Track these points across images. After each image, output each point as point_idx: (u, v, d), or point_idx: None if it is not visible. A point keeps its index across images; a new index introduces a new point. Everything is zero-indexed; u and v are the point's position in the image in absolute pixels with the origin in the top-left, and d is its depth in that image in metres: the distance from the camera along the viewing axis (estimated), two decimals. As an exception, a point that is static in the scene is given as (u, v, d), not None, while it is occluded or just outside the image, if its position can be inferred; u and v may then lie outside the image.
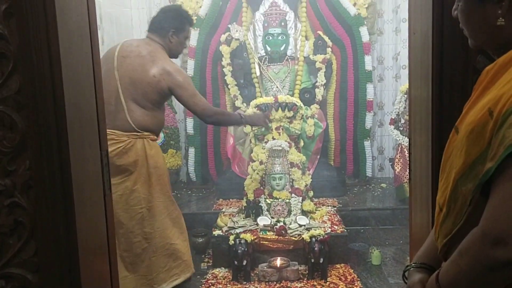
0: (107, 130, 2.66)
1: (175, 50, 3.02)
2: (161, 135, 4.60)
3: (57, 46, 1.45)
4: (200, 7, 4.69)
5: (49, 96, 1.46)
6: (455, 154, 1.04)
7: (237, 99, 4.64)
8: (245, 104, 4.57)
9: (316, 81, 4.62)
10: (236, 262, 3.33)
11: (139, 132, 2.86)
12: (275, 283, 3.32)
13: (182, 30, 2.98)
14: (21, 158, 1.48)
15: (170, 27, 2.94)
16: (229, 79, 4.64)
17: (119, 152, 2.82)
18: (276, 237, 3.48)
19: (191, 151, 4.82)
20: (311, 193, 3.89)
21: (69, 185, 1.52)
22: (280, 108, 4.04)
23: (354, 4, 4.63)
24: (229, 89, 4.68)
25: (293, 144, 4.04)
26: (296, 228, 3.56)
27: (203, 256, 3.85)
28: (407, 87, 4.43)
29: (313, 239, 3.36)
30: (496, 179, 0.91)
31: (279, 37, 4.55)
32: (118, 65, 2.86)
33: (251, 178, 3.87)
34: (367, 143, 4.80)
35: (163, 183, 2.95)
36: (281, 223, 3.57)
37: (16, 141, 1.46)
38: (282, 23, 4.57)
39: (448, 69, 1.57)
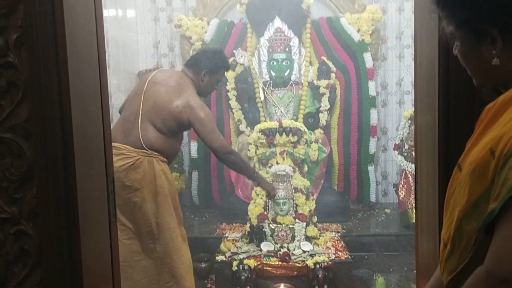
0: (120, 144, 2.95)
1: (204, 89, 3.18)
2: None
3: (66, 75, 1.47)
4: (206, 32, 4.73)
5: (57, 124, 1.47)
6: (458, 192, 1.04)
7: (241, 123, 4.65)
8: (249, 128, 4.58)
9: (320, 106, 4.64)
10: (239, 288, 3.30)
11: (149, 151, 2.96)
12: (278, 310, 3.28)
13: (215, 73, 3.15)
14: (28, 185, 1.48)
15: (204, 67, 3.10)
16: (233, 103, 4.67)
17: (128, 168, 2.92)
18: (280, 263, 3.46)
19: (195, 174, 4.82)
20: (315, 219, 3.87)
21: (75, 213, 1.53)
22: (284, 133, 4.04)
23: (358, 31, 4.67)
24: (233, 113, 4.69)
25: (297, 169, 4.03)
26: (300, 254, 3.53)
27: (205, 281, 3.81)
28: (411, 113, 4.47)
29: (317, 266, 3.33)
30: (500, 219, 0.92)
31: (284, 63, 4.58)
32: (146, 89, 3.03)
33: (254, 202, 3.86)
34: (371, 168, 4.79)
35: (167, 204, 3.00)
36: (285, 249, 3.54)
37: (24, 169, 1.47)
38: (287, 49, 4.62)
39: (454, 99, 1.58)
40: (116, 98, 4.21)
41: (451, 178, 1.12)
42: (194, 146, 4.77)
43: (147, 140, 2.96)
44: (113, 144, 2.83)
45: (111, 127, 2.12)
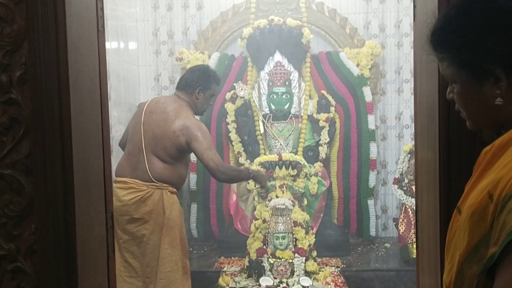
0: (128, 179, 3.04)
1: (201, 107, 3.23)
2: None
3: (68, 112, 1.48)
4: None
5: (58, 161, 1.47)
6: (458, 235, 1.04)
7: (241, 156, 4.65)
8: (248, 161, 4.58)
9: (320, 139, 4.66)
10: (237, 325, 3.24)
11: (158, 183, 3.03)
12: None
13: (208, 88, 3.20)
14: (26, 222, 1.48)
15: (196, 85, 3.16)
16: (233, 135, 4.68)
17: (137, 201, 2.99)
18: (279, 299, 3.41)
19: (193, 207, 4.80)
20: (314, 253, 3.84)
21: (73, 250, 1.51)
22: (284, 166, 4.04)
23: (357, 65, 4.72)
24: (233, 145, 4.70)
25: (296, 202, 4.02)
26: (299, 289, 3.49)
27: (203, 317, 3.75)
28: (411, 147, 4.48)
29: (317, 302, 3.29)
30: (500, 264, 0.92)
31: (284, 96, 4.62)
32: (144, 120, 3.10)
33: (253, 236, 3.83)
34: (370, 202, 4.77)
35: (174, 235, 3.03)
36: (284, 284, 3.50)
37: (23, 205, 1.47)
38: (287, 82, 4.65)
39: (455, 136, 1.57)
40: (117, 131, 4.21)
41: (451, 220, 1.11)
42: (193, 178, 4.76)
43: (154, 172, 3.02)
44: (122, 179, 3.07)
45: (113, 160, 2.14)
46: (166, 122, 3.05)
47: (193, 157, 4.72)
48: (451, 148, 1.58)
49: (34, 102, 1.45)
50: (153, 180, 3.02)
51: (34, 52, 1.44)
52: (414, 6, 1.77)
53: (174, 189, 3.09)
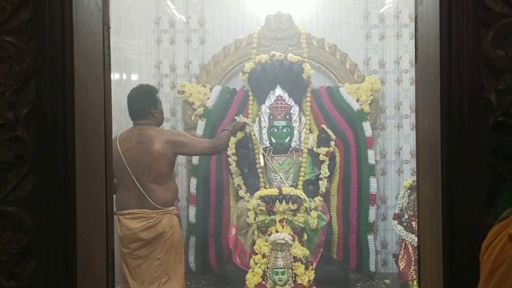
0: (136, 210, 3.26)
1: (160, 119, 3.51)
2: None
3: (73, 150, 1.49)
4: (208, 98, 4.82)
5: (61, 198, 1.48)
6: (508, 265, 1.02)
7: (241, 189, 4.65)
8: (248, 194, 4.57)
9: (320, 173, 4.66)
10: None
11: (164, 208, 3.29)
12: None
13: (156, 102, 3.46)
14: (27, 259, 1.47)
15: (147, 107, 3.39)
16: (233, 168, 4.68)
17: (147, 228, 3.23)
18: (278, 336, 3.35)
19: (192, 239, 4.76)
20: (314, 289, 3.80)
21: (74, 287, 1.50)
22: (284, 201, 4.04)
23: (357, 100, 4.76)
24: (233, 178, 4.70)
25: (296, 237, 3.99)
26: (298, 327, 3.43)
27: None
28: (410, 182, 4.48)
29: None
30: None
31: (284, 130, 4.64)
32: (126, 160, 3.28)
33: (253, 271, 3.80)
34: (370, 237, 4.74)
35: (180, 252, 3.35)
36: (283, 321, 3.45)
37: (24, 243, 1.46)
38: (287, 116, 4.69)
39: (457, 175, 1.55)
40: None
41: (496, 249, 1.09)
42: (192, 211, 4.74)
43: (158, 199, 3.27)
44: (130, 211, 3.29)
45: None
46: (146, 150, 3.28)
47: (192, 189, 4.78)
48: (453, 184, 1.56)
49: (39, 139, 1.46)
50: (159, 207, 3.26)
51: (41, 91, 1.46)
52: (416, 48, 1.80)
53: (176, 211, 3.42)
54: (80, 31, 1.56)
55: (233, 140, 4.68)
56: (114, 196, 3.32)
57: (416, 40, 1.79)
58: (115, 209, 3.31)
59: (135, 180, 3.26)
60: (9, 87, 1.45)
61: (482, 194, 1.50)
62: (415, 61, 1.83)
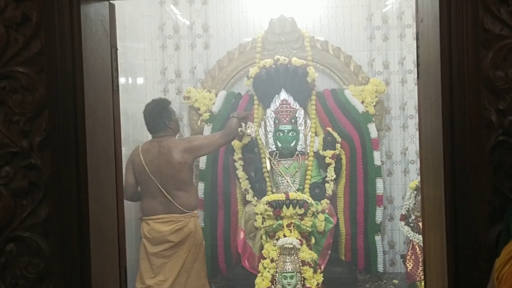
0: (164, 215, 3.54)
1: (176, 129, 3.81)
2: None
3: (85, 175, 1.53)
4: (214, 103, 4.85)
5: (75, 222, 1.52)
6: None
7: (248, 193, 4.69)
8: (256, 198, 4.61)
9: (326, 176, 4.69)
10: None
11: (191, 212, 3.62)
12: None
13: (170, 113, 3.72)
14: (44, 283, 1.52)
15: (164, 119, 3.65)
16: (240, 173, 4.72)
17: (175, 230, 3.53)
18: None
19: (201, 244, 4.80)
20: (322, 293, 3.84)
21: (89, 309, 1.55)
22: (291, 205, 4.07)
23: (362, 102, 4.78)
24: (240, 182, 4.74)
25: (304, 241, 4.03)
26: (308, 330, 3.48)
27: None
28: (416, 183, 4.50)
29: None
30: None
31: (290, 134, 4.67)
32: (151, 171, 3.56)
33: (261, 276, 3.84)
34: (377, 238, 4.77)
35: (201, 252, 3.68)
36: (293, 325, 3.50)
37: (41, 267, 1.51)
38: (293, 120, 4.71)
39: (460, 175, 1.54)
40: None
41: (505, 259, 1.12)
42: (201, 214, 4.77)
43: (185, 204, 3.57)
44: (158, 216, 3.58)
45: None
46: (168, 161, 3.55)
47: (200, 194, 4.81)
48: (457, 185, 1.57)
49: (53, 167, 1.51)
50: (186, 211, 3.57)
51: (53, 119, 1.51)
52: (418, 64, 1.83)
53: (198, 215, 3.80)
54: (89, 58, 1.60)
55: (239, 145, 4.72)
56: (140, 203, 3.77)
57: (417, 56, 1.82)
58: (141, 215, 3.72)
59: (161, 189, 3.53)
60: (23, 116, 1.50)
61: (484, 210, 1.52)
62: (417, 77, 1.86)
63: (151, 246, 3.55)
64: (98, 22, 1.65)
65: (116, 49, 1.87)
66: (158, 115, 3.65)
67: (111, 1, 1.80)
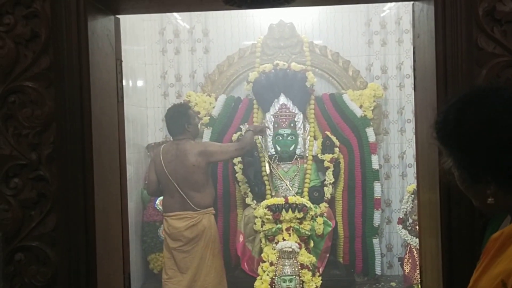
0: (180, 212, 3.81)
1: (195, 133, 4.06)
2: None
3: (92, 186, 1.58)
4: (213, 107, 4.90)
5: (82, 232, 1.57)
6: None
7: (247, 196, 4.73)
8: (255, 201, 4.66)
9: (325, 179, 4.74)
10: None
11: (204, 209, 3.84)
12: None
13: (189, 117, 3.94)
14: (52, 292, 1.56)
15: (183, 123, 3.88)
16: (240, 176, 4.77)
17: (190, 226, 3.79)
18: None
19: (201, 246, 4.85)
20: (321, 296, 3.89)
21: (95, 316, 1.60)
22: (290, 209, 4.12)
23: (360, 106, 4.83)
24: (239, 186, 4.79)
25: (303, 245, 4.08)
26: (306, 333, 3.53)
27: None
28: (414, 187, 4.56)
29: None
30: None
31: (289, 138, 4.72)
32: (169, 171, 3.83)
33: (261, 279, 3.89)
34: (375, 241, 4.83)
35: (217, 248, 3.92)
36: (292, 328, 3.55)
37: (48, 276, 1.56)
38: (292, 124, 4.76)
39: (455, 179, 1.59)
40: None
41: None
42: (200, 217, 4.83)
43: (198, 203, 3.80)
44: (174, 213, 3.84)
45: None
46: (183, 164, 3.80)
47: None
48: (452, 189, 1.58)
49: (60, 178, 1.55)
50: (200, 209, 3.80)
51: (61, 132, 1.55)
52: (415, 77, 1.88)
53: (214, 211, 3.97)
54: (96, 72, 1.65)
55: (238, 148, 4.77)
56: (161, 199, 4.15)
57: (414, 70, 1.87)
58: (162, 212, 4.03)
59: (178, 188, 3.79)
60: (32, 129, 1.55)
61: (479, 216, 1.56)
62: (414, 89, 1.91)
63: (171, 241, 3.83)
64: (104, 37, 1.70)
65: (121, 61, 1.92)
66: (178, 119, 3.88)
67: (117, 16, 1.85)
